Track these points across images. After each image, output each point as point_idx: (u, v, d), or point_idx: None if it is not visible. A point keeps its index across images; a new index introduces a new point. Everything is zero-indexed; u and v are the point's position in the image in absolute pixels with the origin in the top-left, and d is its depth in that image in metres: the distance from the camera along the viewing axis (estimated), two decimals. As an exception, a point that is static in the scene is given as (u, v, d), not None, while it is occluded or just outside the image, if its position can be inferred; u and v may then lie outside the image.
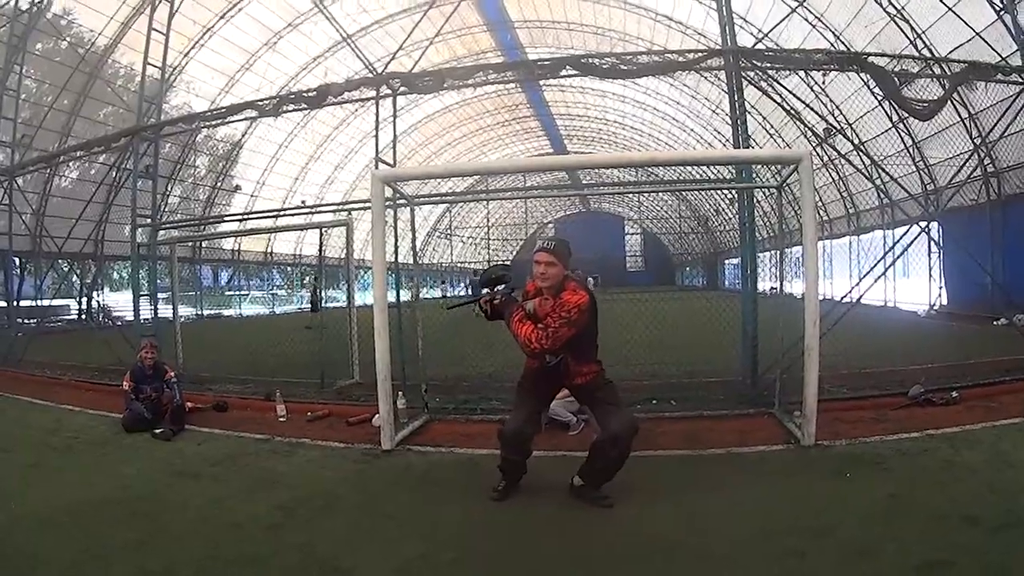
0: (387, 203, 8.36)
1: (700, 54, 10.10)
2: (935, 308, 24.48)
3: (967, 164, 16.69)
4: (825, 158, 31.24)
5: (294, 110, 12.10)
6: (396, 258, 9.78)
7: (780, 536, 4.48)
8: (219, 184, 39.26)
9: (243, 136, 37.95)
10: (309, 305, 38.68)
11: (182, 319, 14.70)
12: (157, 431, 8.03)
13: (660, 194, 58.49)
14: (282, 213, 24.67)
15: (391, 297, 9.44)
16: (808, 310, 6.72)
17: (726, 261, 58.16)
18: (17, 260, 27.27)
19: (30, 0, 19.59)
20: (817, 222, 7.36)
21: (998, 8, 17.49)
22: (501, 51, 36.56)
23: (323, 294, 37.44)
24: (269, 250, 45.82)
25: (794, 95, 11.34)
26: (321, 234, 11.90)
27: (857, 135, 27.96)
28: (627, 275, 71.72)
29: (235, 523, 5.07)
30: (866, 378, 9.68)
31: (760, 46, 13.67)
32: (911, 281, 27.68)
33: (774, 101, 10.85)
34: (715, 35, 28.87)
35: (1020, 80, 11.70)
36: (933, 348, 12.77)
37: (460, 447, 7.01)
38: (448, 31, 33.72)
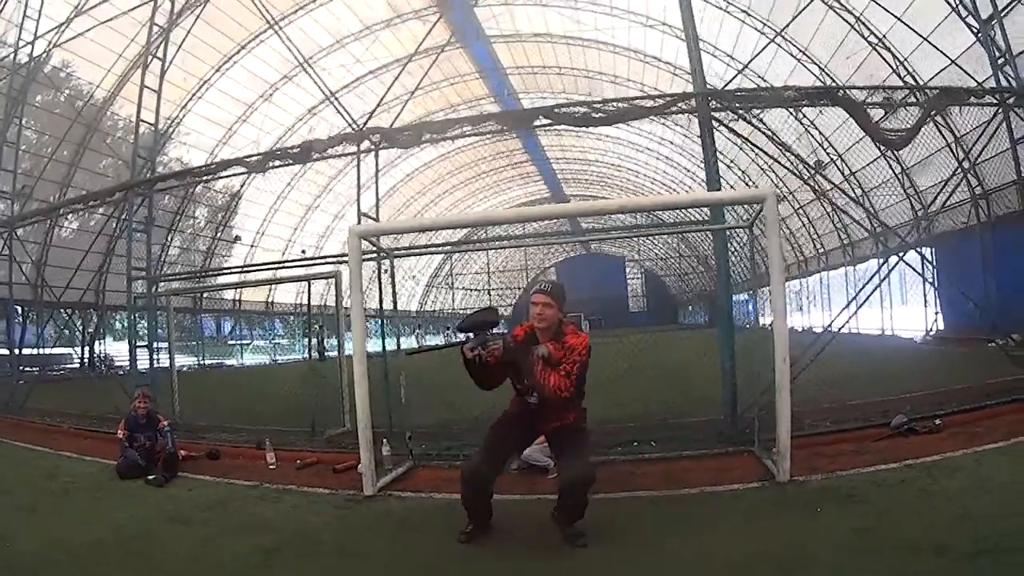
0: (371, 256, 8.54)
1: (670, 98, 10.28)
2: (931, 333, 24.52)
3: (954, 187, 16.86)
4: (818, 190, 31.46)
5: (280, 166, 12.31)
6: (381, 307, 9.93)
7: (750, 571, 4.57)
8: (218, 235, 39.56)
9: (241, 187, 38.28)
10: (317, 353, 38.83)
11: (184, 368, 14.86)
12: (150, 477, 8.18)
13: (659, 234, 58.77)
14: (281, 265, 24.99)
15: (378, 345, 9.56)
16: (777, 347, 6.75)
17: (726, 298, 58.23)
18: (19, 309, 27.47)
19: (28, 53, 19.95)
20: (784, 262, 7.39)
21: (975, 30, 17.79)
22: (494, 97, 37.05)
23: (325, 343, 37.68)
24: (270, 300, 46.05)
25: (770, 136, 11.45)
26: (309, 286, 12.08)
27: (847, 166, 28.25)
28: (629, 316, 71.72)
29: (223, 563, 5.30)
30: (852, 410, 9.65)
31: (741, 78, 13.92)
32: (909, 308, 27.74)
33: (749, 142, 10.98)
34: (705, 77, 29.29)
35: (995, 101, 11.82)
36: (923, 375, 12.80)
37: (440, 492, 7.06)
38: (441, 79, 34.35)
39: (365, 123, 11.11)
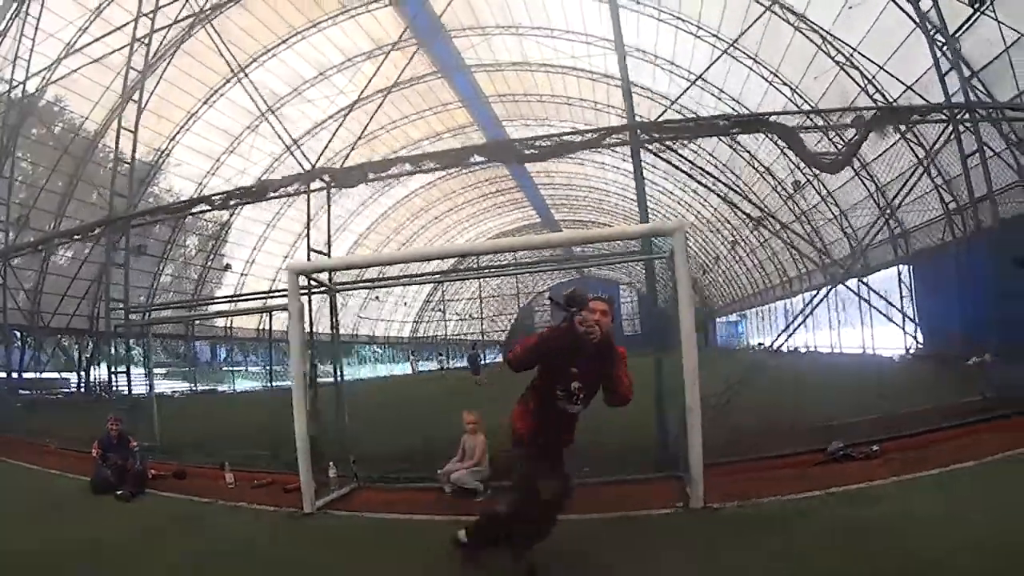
0: (320, 289, 9.02)
1: (602, 132, 10.66)
2: (911, 351, 24.47)
3: (904, 197, 16.69)
4: (797, 211, 31.77)
5: (238, 204, 12.90)
6: (335, 337, 10.34)
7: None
8: (209, 263, 39.85)
9: (231, 216, 38.50)
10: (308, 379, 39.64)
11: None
12: (119, 493, 9.04)
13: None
14: (242, 298, 25.56)
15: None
16: (687, 374, 6.93)
17: (716, 320, 58.36)
18: (19, 334, 27.97)
19: (22, 90, 20.61)
20: (692, 291, 7.53)
21: (940, 44, 18.01)
22: (478, 125, 37.44)
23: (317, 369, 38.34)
24: (261, 327, 46.20)
25: (706, 166, 11.77)
26: (270, 317, 12.61)
27: (824, 185, 28.52)
28: (623, 338, 71.06)
29: (171, 564, 6.24)
30: (795, 433, 9.33)
31: (717, 103, 14.18)
32: (894, 326, 27.71)
33: (681, 170, 11.32)
34: (682, 100, 29.62)
35: (944, 117, 11.83)
36: (882, 396, 12.19)
37: (375, 512, 7.58)
38: (425, 108, 34.86)
39: (317, 160, 11.69)
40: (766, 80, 26.49)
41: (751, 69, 26.29)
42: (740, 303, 51.09)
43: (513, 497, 5.19)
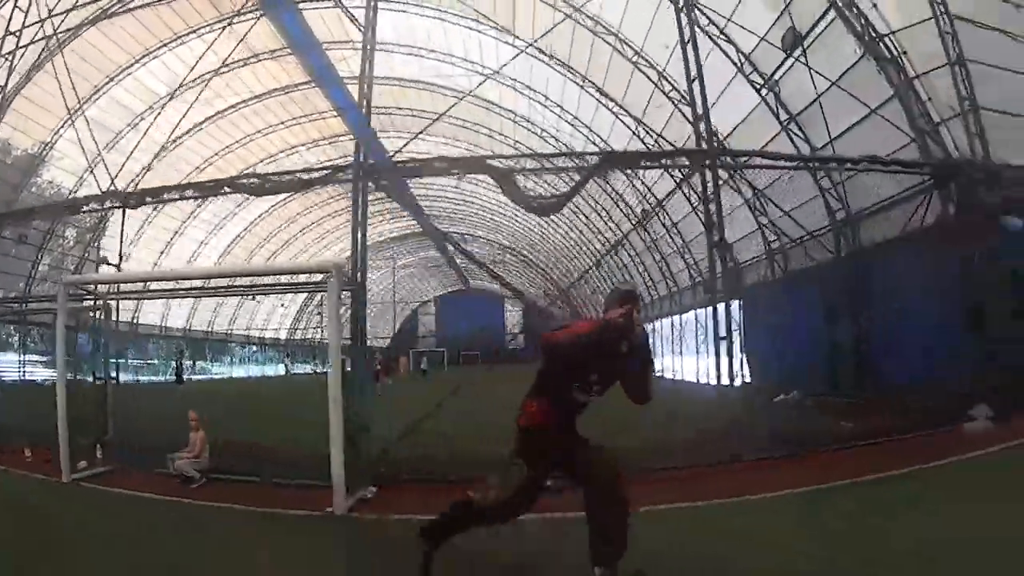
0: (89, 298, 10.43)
1: (328, 171, 12.14)
2: (734, 383, 25.06)
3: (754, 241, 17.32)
4: (647, 239, 33.48)
5: (66, 216, 14.29)
6: (116, 338, 11.77)
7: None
8: (86, 255, 39.89)
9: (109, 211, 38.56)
10: (175, 376, 41.26)
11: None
12: None
13: (528, 271, 60.45)
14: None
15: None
16: (331, 401, 8.06)
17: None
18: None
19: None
20: (340, 324, 8.46)
21: (758, 86, 19.57)
22: (353, 134, 38.27)
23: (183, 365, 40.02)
24: (134, 321, 46.11)
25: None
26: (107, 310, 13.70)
27: (669, 216, 30.16)
28: (506, 350, 71.83)
29: None
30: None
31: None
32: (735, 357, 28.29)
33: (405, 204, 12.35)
34: (545, 126, 31.20)
35: (685, 164, 13.66)
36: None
37: (121, 488, 9.23)
38: (301, 115, 35.91)
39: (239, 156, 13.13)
40: (612, 112, 28.20)
41: (600, 102, 27.85)
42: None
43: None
